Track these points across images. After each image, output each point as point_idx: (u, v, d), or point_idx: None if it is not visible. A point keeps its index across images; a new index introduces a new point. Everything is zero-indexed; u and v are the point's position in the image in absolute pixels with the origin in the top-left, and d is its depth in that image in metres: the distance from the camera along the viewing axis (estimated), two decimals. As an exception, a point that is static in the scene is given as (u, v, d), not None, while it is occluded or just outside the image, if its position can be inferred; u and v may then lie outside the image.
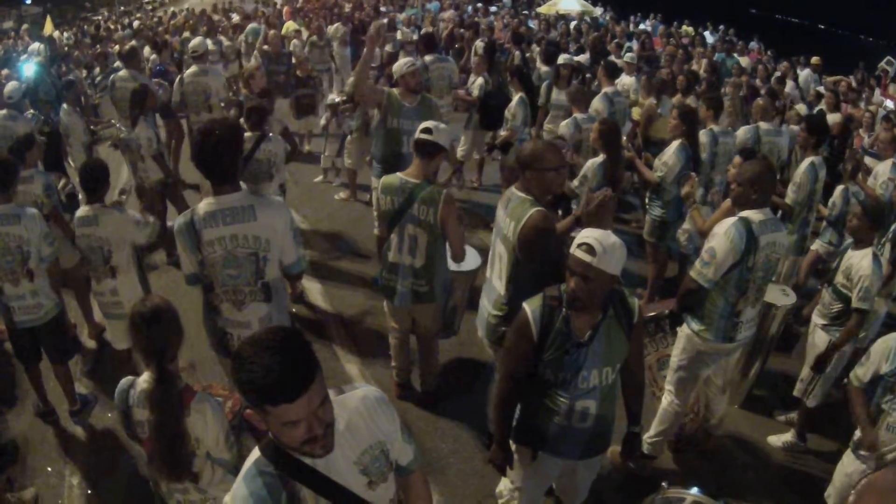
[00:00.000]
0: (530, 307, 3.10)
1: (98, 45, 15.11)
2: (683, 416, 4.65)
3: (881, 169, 6.94)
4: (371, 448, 2.15)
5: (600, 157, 5.94)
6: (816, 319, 4.86)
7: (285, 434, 1.87)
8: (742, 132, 7.36)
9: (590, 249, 2.83)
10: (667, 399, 4.56)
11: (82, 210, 4.83)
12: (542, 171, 3.74)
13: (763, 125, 7.38)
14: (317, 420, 1.84)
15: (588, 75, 10.97)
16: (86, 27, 23.19)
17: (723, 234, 3.98)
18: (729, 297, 4.13)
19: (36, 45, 12.73)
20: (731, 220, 4.05)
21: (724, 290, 4.12)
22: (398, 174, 4.54)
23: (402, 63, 6.46)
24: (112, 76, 8.95)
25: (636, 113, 9.42)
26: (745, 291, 4.12)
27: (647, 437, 4.62)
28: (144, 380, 3.03)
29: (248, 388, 1.78)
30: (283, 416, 1.80)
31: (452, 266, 4.82)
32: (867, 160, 7.61)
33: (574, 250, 2.90)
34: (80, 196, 6.58)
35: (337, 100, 8.43)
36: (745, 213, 4.05)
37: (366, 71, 6.29)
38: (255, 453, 2.05)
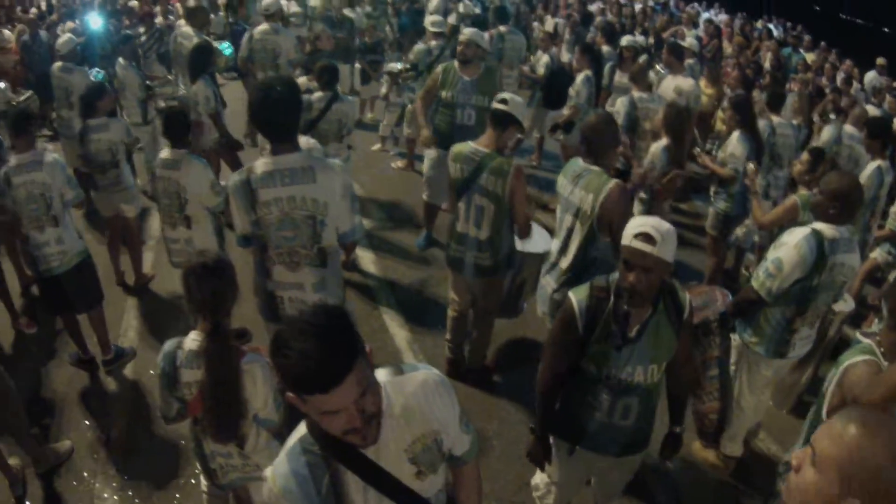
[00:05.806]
0: (576, 297, 2.92)
1: (157, 3, 15.00)
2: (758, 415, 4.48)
3: None
4: (424, 436, 2.02)
5: (664, 141, 5.86)
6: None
7: (324, 422, 1.78)
8: (826, 132, 7.09)
9: (648, 238, 2.64)
10: (738, 404, 4.33)
11: (166, 153, 4.83)
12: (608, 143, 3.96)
13: (848, 129, 7.10)
14: (357, 411, 1.73)
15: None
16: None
17: (793, 247, 3.70)
18: (786, 311, 3.90)
19: None
20: (804, 231, 3.73)
21: (782, 304, 3.89)
22: (469, 143, 4.45)
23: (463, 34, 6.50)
24: (174, 32, 8.92)
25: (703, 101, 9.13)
26: (804, 310, 3.89)
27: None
28: (193, 339, 2.95)
29: (284, 374, 1.68)
30: (320, 406, 1.70)
31: (525, 247, 4.73)
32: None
33: (631, 241, 2.69)
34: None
35: (399, 67, 8.26)
36: (820, 227, 3.73)
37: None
38: (301, 429, 1.95)
